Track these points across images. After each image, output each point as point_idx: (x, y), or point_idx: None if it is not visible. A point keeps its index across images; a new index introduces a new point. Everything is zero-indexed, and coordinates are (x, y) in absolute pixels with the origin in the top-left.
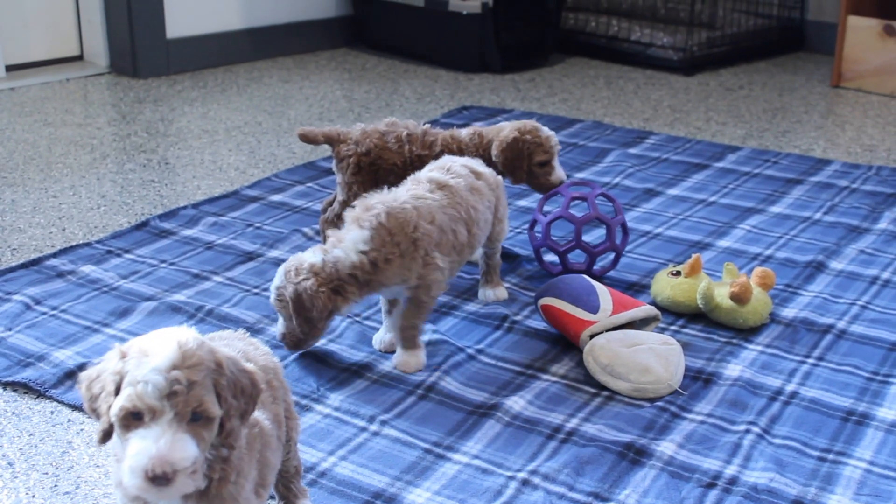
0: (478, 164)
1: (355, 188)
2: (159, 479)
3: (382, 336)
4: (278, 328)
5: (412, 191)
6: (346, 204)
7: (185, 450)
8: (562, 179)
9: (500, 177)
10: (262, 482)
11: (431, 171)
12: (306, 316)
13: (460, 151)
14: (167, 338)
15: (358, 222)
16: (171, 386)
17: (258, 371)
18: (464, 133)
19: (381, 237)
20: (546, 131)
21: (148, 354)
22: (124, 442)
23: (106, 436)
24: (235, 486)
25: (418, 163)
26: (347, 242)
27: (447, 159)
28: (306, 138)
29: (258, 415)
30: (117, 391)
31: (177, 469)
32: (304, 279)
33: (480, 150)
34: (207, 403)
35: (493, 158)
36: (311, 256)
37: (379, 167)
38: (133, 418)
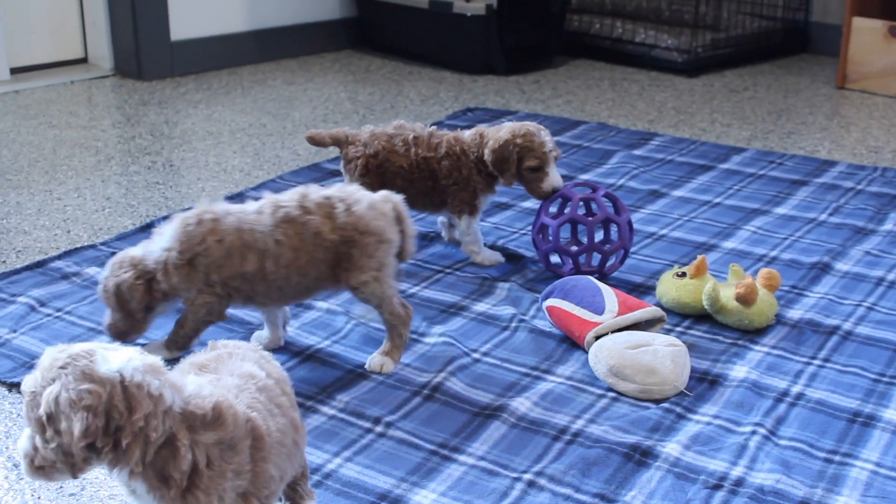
0: (349, 197)
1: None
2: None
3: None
4: (105, 319)
5: (247, 206)
6: None
7: (22, 442)
8: (555, 187)
9: (366, 221)
10: (257, 493)
11: (292, 192)
12: (126, 308)
13: (463, 153)
14: (49, 356)
15: (174, 222)
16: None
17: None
18: (466, 134)
19: (173, 243)
20: (542, 137)
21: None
22: None
23: None
24: (193, 497)
25: (424, 165)
26: (160, 238)
27: (314, 188)
28: (314, 141)
29: (269, 426)
30: None
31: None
32: (124, 272)
33: (480, 149)
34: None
35: (485, 157)
36: (136, 250)
37: (386, 169)
38: None
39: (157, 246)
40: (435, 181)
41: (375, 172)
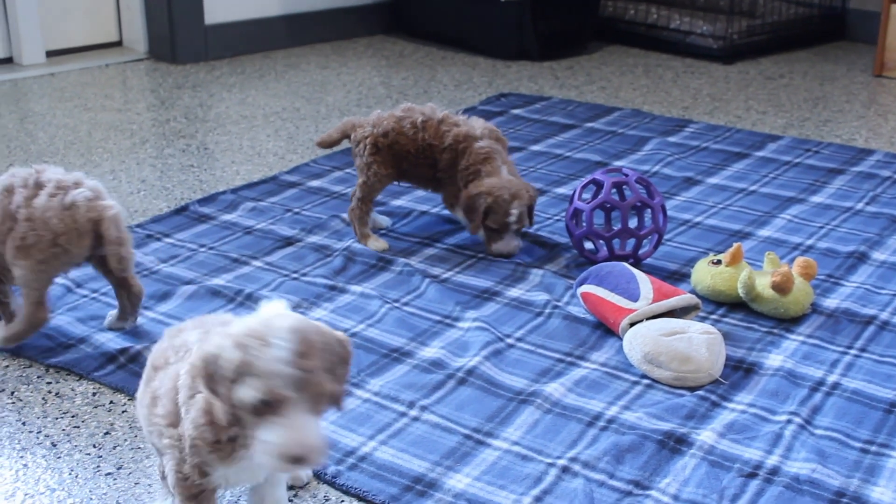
0: (61, 192)
1: (374, 167)
2: (301, 460)
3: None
4: None
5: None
6: (364, 186)
7: (319, 431)
8: (502, 253)
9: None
10: None
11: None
12: None
13: (464, 150)
14: (282, 324)
15: None
16: (300, 376)
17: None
18: (478, 131)
19: None
20: (509, 206)
21: (269, 345)
22: (253, 426)
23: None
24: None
25: (428, 152)
26: None
27: (53, 170)
28: (325, 144)
29: None
30: (233, 378)
31: (316, 451)
32: None
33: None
34: (328, 384)
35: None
36: None
37: (395, 151)
38: (265, 405)
39: None
40: (435, 171)
41: (386, 152)
